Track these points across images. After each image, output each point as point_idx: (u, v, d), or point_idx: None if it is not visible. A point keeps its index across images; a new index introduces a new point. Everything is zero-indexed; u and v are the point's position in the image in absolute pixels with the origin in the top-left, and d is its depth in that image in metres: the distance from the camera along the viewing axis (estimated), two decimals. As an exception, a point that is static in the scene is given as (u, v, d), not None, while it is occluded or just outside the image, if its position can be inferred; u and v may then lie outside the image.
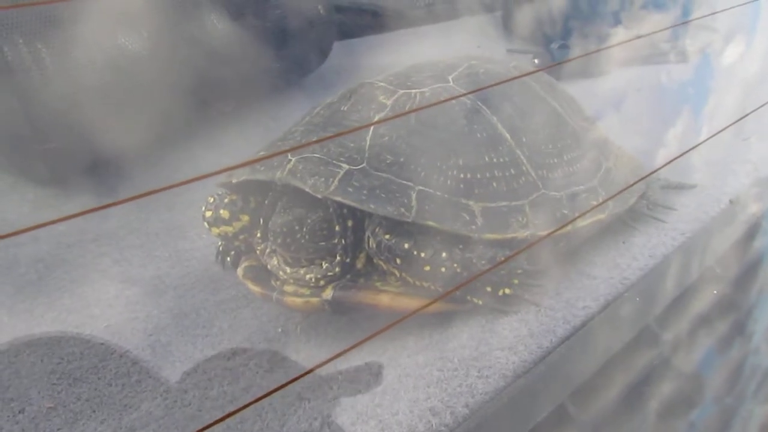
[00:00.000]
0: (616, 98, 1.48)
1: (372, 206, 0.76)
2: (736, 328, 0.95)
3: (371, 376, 0.76)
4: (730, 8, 1.22)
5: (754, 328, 0.95)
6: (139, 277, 1.00)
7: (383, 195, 0.77)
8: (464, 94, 0.85)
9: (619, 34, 1.66)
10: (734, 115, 1.02)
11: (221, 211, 0.89)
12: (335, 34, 1.65)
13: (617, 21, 1.82)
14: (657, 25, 1.79)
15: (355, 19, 1.95)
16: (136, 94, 1.17)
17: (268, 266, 0.87)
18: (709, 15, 1.61)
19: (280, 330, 0.90)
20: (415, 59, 1.01)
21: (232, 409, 0.75)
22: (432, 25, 2.00)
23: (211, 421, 0.72)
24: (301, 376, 0.54)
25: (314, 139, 0.81)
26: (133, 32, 1.17)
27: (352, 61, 1.73)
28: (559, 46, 1.67)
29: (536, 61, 1.65)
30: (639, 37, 1.58)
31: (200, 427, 0.63)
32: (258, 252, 0.89)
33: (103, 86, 1.13)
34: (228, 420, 0.73)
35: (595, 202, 0.88)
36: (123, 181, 1.20)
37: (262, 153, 0.88)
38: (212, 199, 0.91)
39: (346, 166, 0.79)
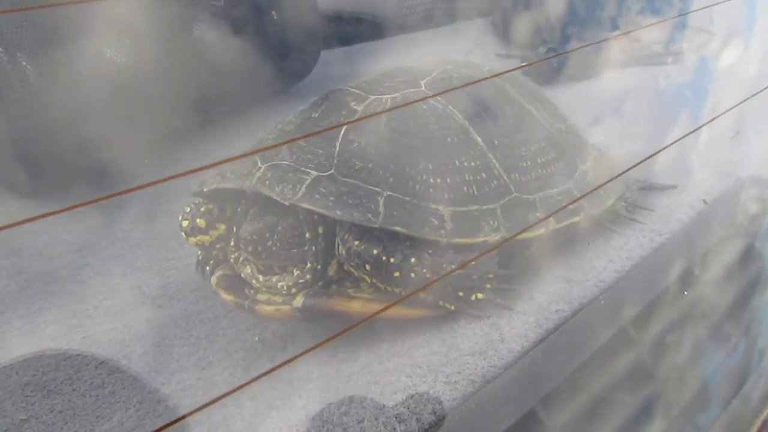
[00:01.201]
0: (605, 101, 1.47)
1: (339, 213, 0.76)
2: (715, 330, 0.94)
3: (341, 383, 0.76)
4: (717, 3, 1.21)
5: (733, 330, 0.94)
6: (120, 288, 1.00)
7: (350, 201, 0.77)
8: (430, 96, 0.85)
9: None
10: (725, 117, 1.00)
11: (198, 221, 0.89)
12: (322, 42, 1.65)
13: (614, 26, 1.81)
14: (651, 29, 1.78)
15: (346, 26, 1.96)
16: (122, 104, 1.17)
17: (242, 275, 0.87)
18: (695, 11, 1.60)
19: (257, 339, 0.89)
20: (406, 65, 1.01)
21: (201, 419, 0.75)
22: (423, 32, 2.01)
23: (168, 421, 0.71)
24: (258, 378, 0.54)
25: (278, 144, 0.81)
26: (115, 41, 1.18)
27: (343, 68, 1.74)
28: (547, 50, 1.67)
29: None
30: (622, 33, 1.58)
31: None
32: (232, 260, 0.89)
33: (85, 96, 1.14)
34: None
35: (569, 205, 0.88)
36: (108, 191, 1.20)
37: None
38: (189, 209, 0.91)
39: (314, 173, 0.79)
